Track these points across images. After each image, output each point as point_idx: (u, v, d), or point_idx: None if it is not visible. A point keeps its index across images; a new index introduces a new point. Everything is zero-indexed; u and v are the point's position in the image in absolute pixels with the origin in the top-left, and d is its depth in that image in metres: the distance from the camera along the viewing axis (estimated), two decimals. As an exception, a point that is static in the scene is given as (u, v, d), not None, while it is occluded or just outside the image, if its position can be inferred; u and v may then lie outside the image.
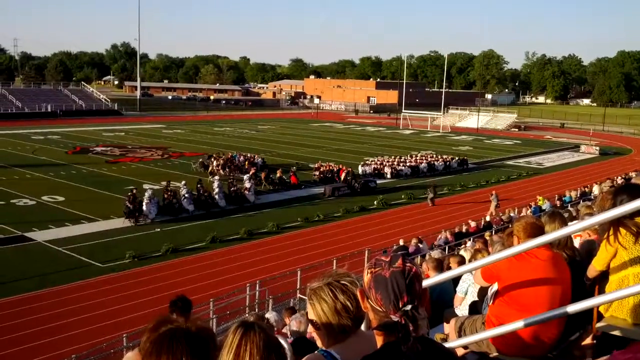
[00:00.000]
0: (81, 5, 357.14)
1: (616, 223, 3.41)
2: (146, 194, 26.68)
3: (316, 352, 2.34)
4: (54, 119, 73.68)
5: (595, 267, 3.70)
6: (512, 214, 24.44)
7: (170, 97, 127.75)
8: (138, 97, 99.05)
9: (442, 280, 4.50)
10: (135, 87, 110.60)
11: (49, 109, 77.71)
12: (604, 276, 3.65)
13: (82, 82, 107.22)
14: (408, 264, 2.03)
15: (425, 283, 2.95)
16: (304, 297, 16.25)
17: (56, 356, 14.08)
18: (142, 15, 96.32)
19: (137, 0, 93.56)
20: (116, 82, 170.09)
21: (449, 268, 7.65)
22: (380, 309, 2.02)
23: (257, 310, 15.94)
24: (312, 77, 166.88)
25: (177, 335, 1.95)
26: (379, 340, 2.07)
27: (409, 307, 1.96)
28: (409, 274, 2.00)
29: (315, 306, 2.33)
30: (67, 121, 71.05)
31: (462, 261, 8.18)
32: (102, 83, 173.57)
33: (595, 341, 3.65)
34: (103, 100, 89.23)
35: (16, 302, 17.14)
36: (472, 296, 5.87)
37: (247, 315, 15.34)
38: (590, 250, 4.40)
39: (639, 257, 3.34)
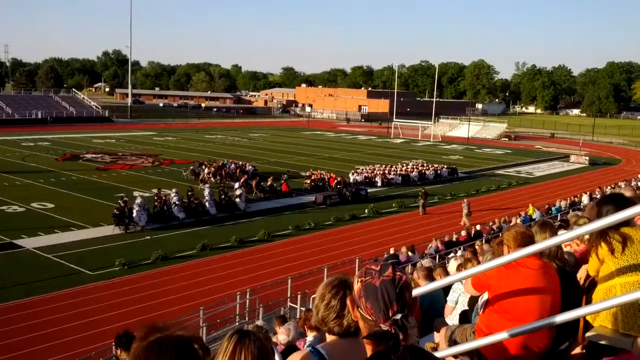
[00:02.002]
0: (73, 12, 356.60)
1: (600, 235, 3.41)
2: (136, 201, 26.60)
3: (306, 348, 2.38)
4: (44, 125, 73.35)
5: (588, 270, 3.72)
6: (503, 224, 24.53)
7: (161, 105, 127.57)
8: (129, 104, 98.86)
9: (433, 289, 4.50)
10: (126, 94, 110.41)
11: (40, 116, 77.37)
12: (591, 286, 3.66)
13: (73, 89, 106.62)
14: (398, 273, 2.03)
15: (416, 292, 2.95)
16: (294, 305, 16.22)
17: (44, 365, 13.97)
18: (133, 23, 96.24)
19: (129, 8, 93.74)
20: (107, 89, 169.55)
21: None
22: (370, 318, 2.02)
23: (247, 318, 15.88)
24: (303, 85, 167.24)
25: (166, 344, 1.94)
26: (369, 350, 2.07)
27: (398, 316, 1.96)
28: (398, 283, 2.00)
29: (317, 298, 2.50)
30: (57, 128, 70.68)
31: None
32: (93, 90, 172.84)
33: (584, 350, 3.66)
34: (94, 107, 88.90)
35: (4, 309, 16.98)
36: (463, 305, 5.88)
37: (237, 323, 15.30)
38: (577, 262, 4.41)
39: (625, 267, 3.34)
